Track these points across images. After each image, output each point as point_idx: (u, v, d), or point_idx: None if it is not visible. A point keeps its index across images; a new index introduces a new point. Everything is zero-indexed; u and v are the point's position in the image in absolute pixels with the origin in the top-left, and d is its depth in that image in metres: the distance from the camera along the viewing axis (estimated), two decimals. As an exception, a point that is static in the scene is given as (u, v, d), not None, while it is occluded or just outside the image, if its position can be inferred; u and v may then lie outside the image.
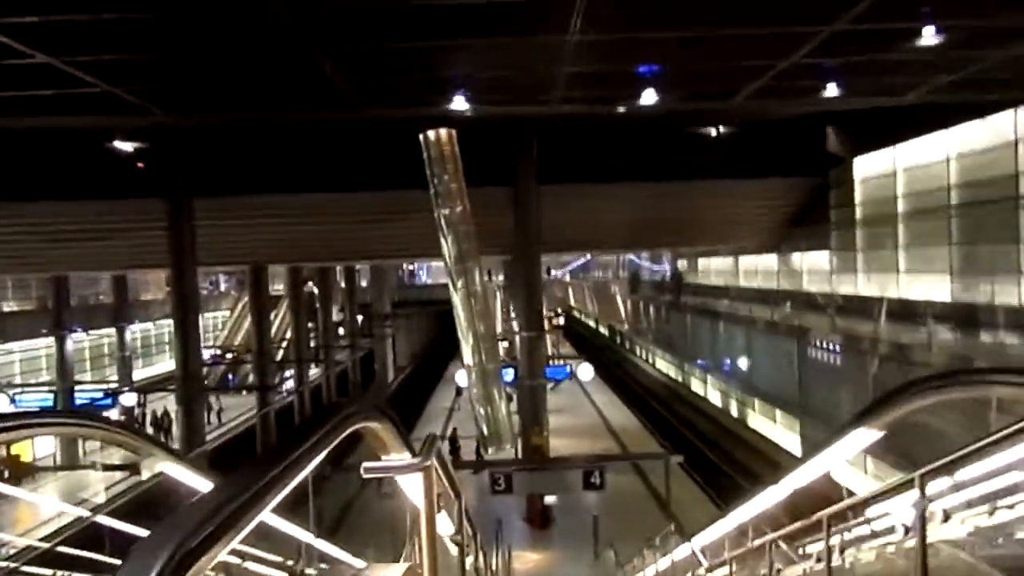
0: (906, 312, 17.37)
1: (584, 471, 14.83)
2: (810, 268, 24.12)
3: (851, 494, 4.72)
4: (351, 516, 20.29)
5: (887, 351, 16.93)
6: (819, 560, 3.22)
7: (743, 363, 28.75)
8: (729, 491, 22.85)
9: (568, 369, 27.67)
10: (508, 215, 19.61)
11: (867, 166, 20.34)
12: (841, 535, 3.26)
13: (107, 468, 12.50)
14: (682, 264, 38.80)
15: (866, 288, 19.81)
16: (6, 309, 39.02)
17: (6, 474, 19.44)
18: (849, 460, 16.75)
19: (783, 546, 3.83)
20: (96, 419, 3.63)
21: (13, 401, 27.30)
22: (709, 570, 5.24)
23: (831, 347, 20.88)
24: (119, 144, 20.89)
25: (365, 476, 2.26)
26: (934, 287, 16.70)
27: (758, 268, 28.53)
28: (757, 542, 4.22)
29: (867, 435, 3.47)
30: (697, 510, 19.25)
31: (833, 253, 21.61)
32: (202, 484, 4.01)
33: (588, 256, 63.13)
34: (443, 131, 17.55)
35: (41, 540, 8.15)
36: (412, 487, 3.48)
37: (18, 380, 33.90)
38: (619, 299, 50.53)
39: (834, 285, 21.45)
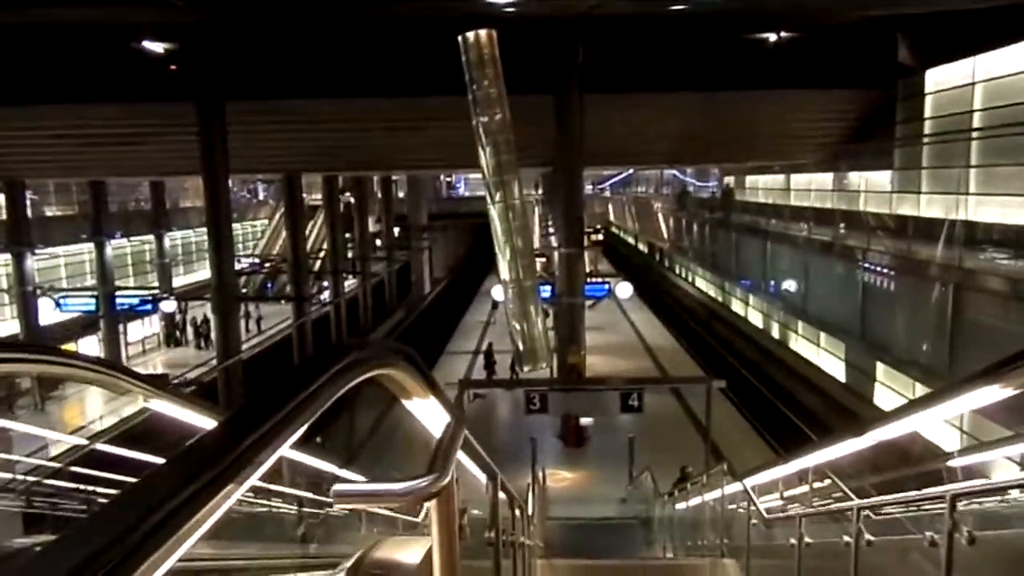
0: (973, 236, 16.25)
1: (622, 393, 14.36)
2: (868, 187, 22.80)
3: (953, 454, 4.05)
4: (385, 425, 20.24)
5: (949, 276, 15.91)
6: (932, 544, 2.59)
7: (789, 285, 27.81)
8: (768, 416, 22.42)
9: (607, 287, 26.98)
10: (549, 125, 18.60)
11: (941, 78, 18.76)
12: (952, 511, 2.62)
13: (140, 377, 12.29)
14: (728, 181, 37.37)
15: (929, 209, 18.61)
16: (48, 214, 39.46)
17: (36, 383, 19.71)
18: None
19: (872, 516, 3.22)
20: (69, 356, 3.04)
21: (58, 305, 27.68)
22: (769, 525, 4.70)
23: (886, 270, 19.85)
24: (149, 44, 20.19)
25: (336, 505, 1.67)
26: (1008, 210, 15.51)
27: (811, 186, 27.17)
28: (834, 505, 3.63)
29: (998, 393, 2.72)
30: (735, 434, 18.87)
31: (895, 172, 20.29)
32: (201, 421, 3.49)
33: (630, 171, 61.52)
34: (483, 32, 16.48)
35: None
36: (427, 414, 2.84)
37: (64, 284, 34.51)
38: (660, 216, 49.27)
39: (894, 205, 20.23)
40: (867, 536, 3.21)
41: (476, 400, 19.91)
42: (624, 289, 27.19)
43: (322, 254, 37.96)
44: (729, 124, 21.57)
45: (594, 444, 19.09)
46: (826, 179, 25.96)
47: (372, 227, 44.43)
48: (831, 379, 24.01)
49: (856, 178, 23.79)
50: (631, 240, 71.47)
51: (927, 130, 18.94)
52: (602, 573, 6.05)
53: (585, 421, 18.07)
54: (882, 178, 21.52)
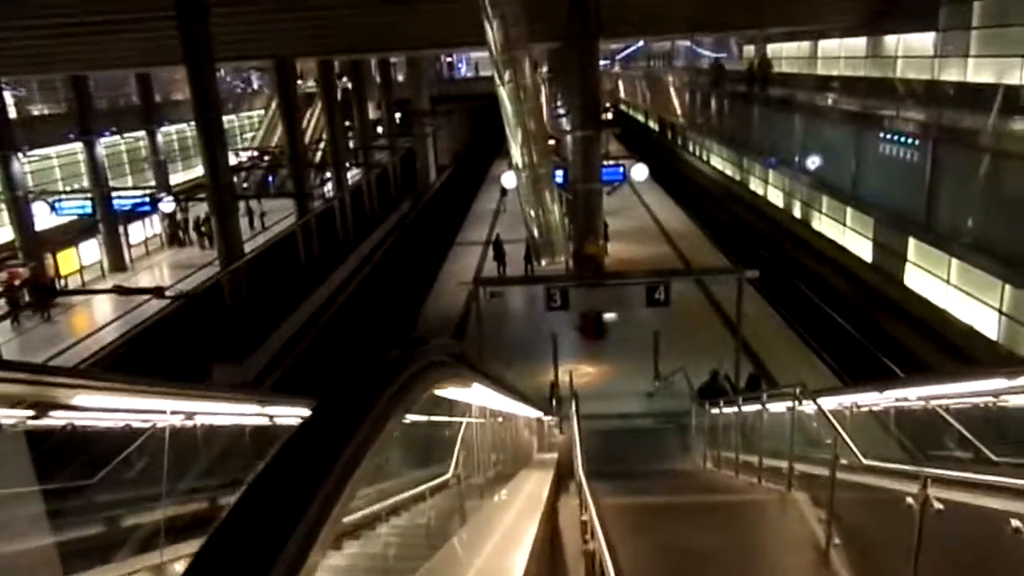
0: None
1: (647, 286, 13.54)
2: (906, 51, 21.04)
3: None
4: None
5: (1001, 147, 14.65)
6: None
7: (815, 160, 26.42)
8: (792, 301, 21.66)
9: (622, 170, 25.67)
10: (561, -7, 16.86)
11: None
12: None
13: (126, 292, 11.61)
14: (748, 50, 35.08)
15: (978, 75, 17.06)
16: (35, 112, 37.80)
17: (26, 298, 18.99)
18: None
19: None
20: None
21: (54, 209, 26.73)
22: (860, 468, 3.90)
23: (925, 142, 18.51)
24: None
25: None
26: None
27: (841, 53, 25.26)
28: (986, 478, 2.78)
29: None
30: (761, 324, 18.13)
31: (939, 34, 18.54)
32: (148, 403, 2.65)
33: (640, 44, 58.23)
34: None
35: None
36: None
37: (61, 186, 33.41)
38: (674, 91, 46.96)
39: (936, 71, 18.62)
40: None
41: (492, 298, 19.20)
42: (640, 171, 25.88)
43: (322, 145, 36.47)
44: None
45: (614, 335, 18.48)
46: (857, 45, 24.04)
47: (372, 114, 42.58)
48: (856, 259, 23.11)
49: (893, 42, 21.95)
50: (640, 118, 68.89)
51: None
52: (654, 512, 5.39)
53: (608, 316, 17.35)
54: (922, 41, 19.78)
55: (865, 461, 3.86)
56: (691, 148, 47.87)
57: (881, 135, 19.99)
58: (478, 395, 2.17)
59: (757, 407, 6.58)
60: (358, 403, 1.15)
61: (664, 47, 56.08)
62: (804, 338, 17.83)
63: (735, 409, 7.69)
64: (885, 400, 4.20)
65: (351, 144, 36.99)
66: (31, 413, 2.68)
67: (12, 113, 30.63)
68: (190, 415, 3.74)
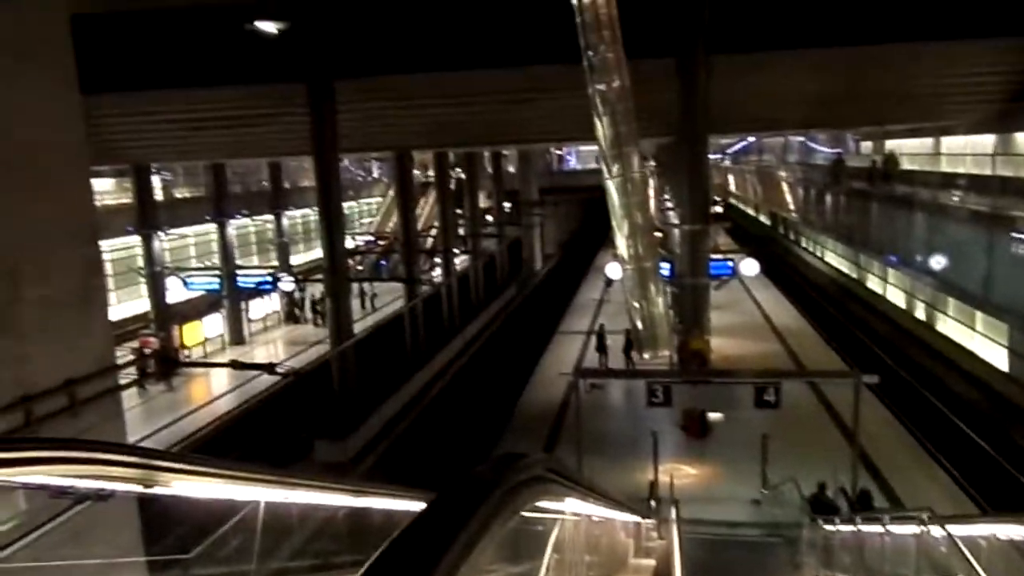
0: None
1: (756, 386, 12.95)
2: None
3: None
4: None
5: None
6: None
7: (940, 260, 25.06)
8: (914, 411, 20.16)
9: (730, 265, 25.12)
10: (672, 91, 17.11)
11: None
12: None
13: (242, 367, 12.21)
14: (866, 146, 34.27)
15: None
16: (178, 195, 41.27)
17: (152, 367, 20.25)
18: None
19: None
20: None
21: (186, 284, 28.71)
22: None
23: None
24: (262, 25, 20.11)
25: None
26: None
27: (967, 150, 24.23)
28: None
29: None
30: (877, 428, 16.90)
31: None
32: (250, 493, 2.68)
33: (751, 139, 58.05)
34: (599, -9, 15.16)
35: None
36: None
37: (194, 263, 35.98)
38: (786, 186, 46.22)
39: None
40: None
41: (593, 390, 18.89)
42: (750, 266, 25.22)
43: (434, 231, 37.81)
44: (871, 83, 19.27)
45: (718, 435, 17.69)
46: (985, 142, 23.04)
47: (483, 203, 43.99)
48: (989, 367, 21.43)
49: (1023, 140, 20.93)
50: (751, 211, 67.96)
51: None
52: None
53: (714, 415, 16.67)
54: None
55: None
56: (804, 243, 46.58)
57: (1016, 236, 18.81)
58: (572, 506, 2.06)
59: (877, 528, 6.03)
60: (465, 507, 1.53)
61: (777, 141, 55.68)
62: (929, 450, 16.47)
63: (852, 528, 7.09)
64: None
65: (461, 231, 38.19)
66: (140, 488, 2.79)
67: (159, 195, 33.62)
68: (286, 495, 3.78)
